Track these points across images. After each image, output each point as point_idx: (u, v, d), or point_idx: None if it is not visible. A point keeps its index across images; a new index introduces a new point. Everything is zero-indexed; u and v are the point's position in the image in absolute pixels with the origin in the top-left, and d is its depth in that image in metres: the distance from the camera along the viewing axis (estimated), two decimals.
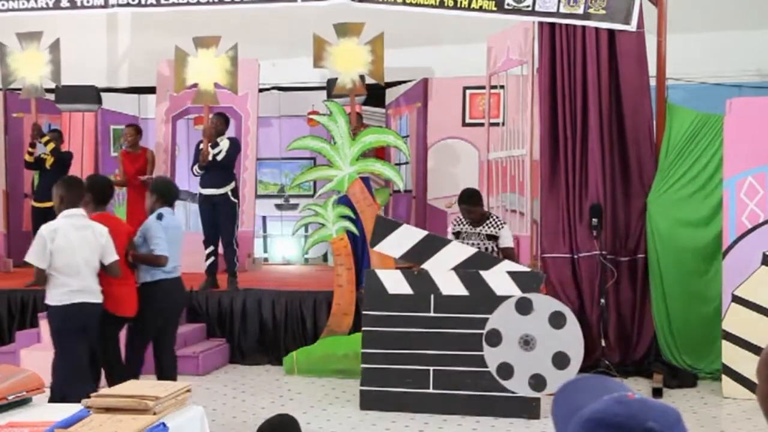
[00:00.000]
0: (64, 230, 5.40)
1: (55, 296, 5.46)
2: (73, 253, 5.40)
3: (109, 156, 12.25)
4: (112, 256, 5.58)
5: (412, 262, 6.57)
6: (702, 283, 7.43)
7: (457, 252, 6.33)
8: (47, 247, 5.34)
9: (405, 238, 6.41)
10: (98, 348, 5.79)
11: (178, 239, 6.14)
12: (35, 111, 9.53)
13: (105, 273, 5.60)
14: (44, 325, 6.57)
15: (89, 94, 10.79)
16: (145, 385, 3.80)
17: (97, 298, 5.56)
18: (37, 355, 7.06)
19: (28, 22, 9.03)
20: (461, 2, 7.80)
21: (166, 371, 6.13)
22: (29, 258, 5.45)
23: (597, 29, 7.73)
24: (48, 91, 10.00)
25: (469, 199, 7.01)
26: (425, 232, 6.53)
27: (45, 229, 5.44)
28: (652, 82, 7.91)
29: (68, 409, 3.54)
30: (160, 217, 6.00)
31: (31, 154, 9.68)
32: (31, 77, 9.32)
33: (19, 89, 9.66)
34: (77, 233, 5.44)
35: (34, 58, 9.25)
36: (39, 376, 3.92)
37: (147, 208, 6.29)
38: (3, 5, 8.48)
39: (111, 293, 5.67)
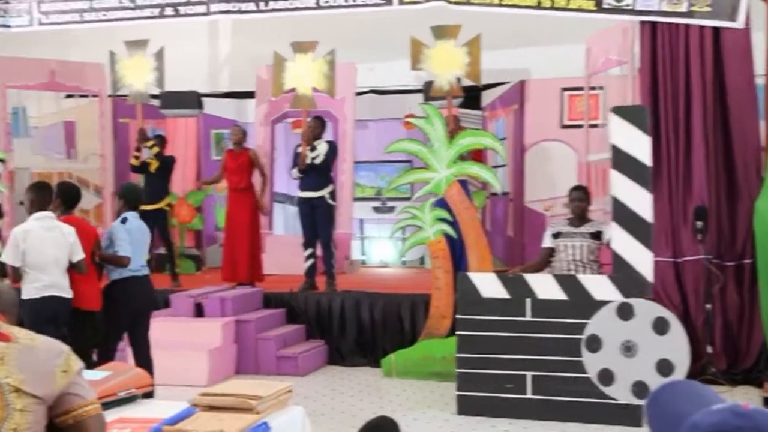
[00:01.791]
0: (35, 231, 5.90)
1: (29, 291, 5.92)
2: (43, 251, 5.89)
3: (211, 159, 12.54)
4: (79, 254, 6.05)
5: None
6: None
7: None
8: (19, 247, 5.87)
9: None
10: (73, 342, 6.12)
11: (142, 240, 6.57)
12: (141, 116, 9.82)
13: (72, 270, 6.05)
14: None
15: (191, 100, 11.07)
16: (248, 385, 3.87)
17: (67, 293, 6.03)
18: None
19: (132, 30, 9.31)
20: (559, 2, 7.69)
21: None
22: (4, 258, 5.98)
23: (701, 27, 7.51)
24: (152, 97, 10.31)
25: (581, 188, 7.44)
26: None
27: (17, 230, 5.98)
28: (760, 81, 7.64)
29: (175, 407, 3.63)
30: (124, 220, 6.44)
31: (137, 158, 9.98)
32: (138, 84, 9.61)
33: (126, 96, 9.98)
34: (47, 234, 5.93)
35: (140, 65, 9.53)
36: (147, 374, 4.04)
37: (115, 212, 6.72)
38: (113, 15, 8.80)
39: (76, 290, 6.09)
